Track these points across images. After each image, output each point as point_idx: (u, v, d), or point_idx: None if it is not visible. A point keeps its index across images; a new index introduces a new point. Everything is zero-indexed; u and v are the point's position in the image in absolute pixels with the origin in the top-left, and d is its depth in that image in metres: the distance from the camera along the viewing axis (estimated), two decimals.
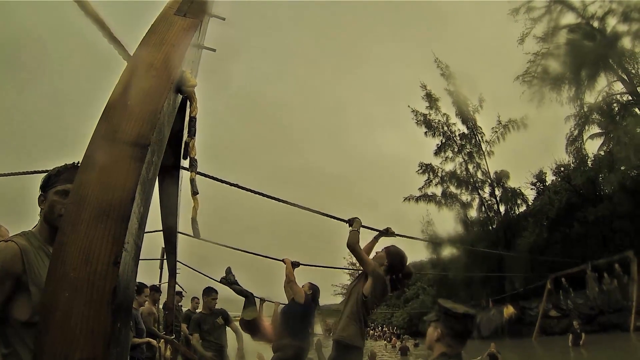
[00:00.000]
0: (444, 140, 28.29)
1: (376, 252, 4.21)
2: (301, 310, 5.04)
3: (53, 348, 0.80)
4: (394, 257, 3.99)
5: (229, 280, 6.25)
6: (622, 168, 18.95)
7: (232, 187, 3.37)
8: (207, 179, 3.44)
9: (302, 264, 5.58)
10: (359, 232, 4.05)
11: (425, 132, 28.51)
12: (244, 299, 6.22)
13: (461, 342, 2.37)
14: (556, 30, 23.09)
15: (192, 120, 1.51)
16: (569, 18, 22.88)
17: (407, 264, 4.14)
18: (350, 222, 4.15)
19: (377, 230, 4.61)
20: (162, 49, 1.28)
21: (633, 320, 15.55)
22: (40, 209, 1.77)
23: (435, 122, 28.46)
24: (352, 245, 3.93)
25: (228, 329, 6.35)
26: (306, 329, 5.08)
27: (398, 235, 4.66)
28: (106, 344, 0.81)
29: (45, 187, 1.77)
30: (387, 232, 4.60)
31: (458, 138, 28.10)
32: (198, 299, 8.51)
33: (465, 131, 28.06)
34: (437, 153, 28.37)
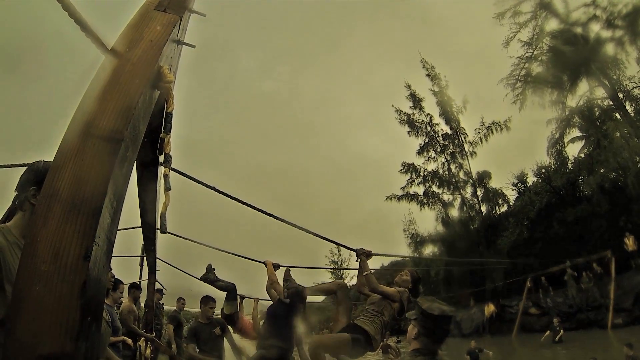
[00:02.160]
0: (427, 140, 28.50)
1: (400, 275, 4.39)
2: (287, 310, 5.04)
3: (22, 341, 0.80)
4: (417, 282, 4.30)
5: (209, 278, 6.21)
6: (602, 170, 19.35)
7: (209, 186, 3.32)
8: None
9: (282, 266, 5.58)
10: (371, 272, 4.31)
11: (409, 132, 28.71)
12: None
13: (437, 342, 2.41)
14: (540, 35, 23.42)
15: (168, 116, 1.50)
16: (554, 24, 23.25)
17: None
18: (358, 254, 4.41)
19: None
20: (140, 44, 1.27)
21: (611, 318, 15.90)
22: (30, 203, 1.66)
23: (418, 122, 28.66)
24: (374, 289, 4.14)
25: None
26: (292, 329, 5.08)
27: (376, 254, 4.72)
28: (75, 338, 0.81)
29: (40, 181, 1.65)
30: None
31: (441, 138, 28.34)
32: (184, 300, 8.44)
33: (449, 132, 28.32)
34: (420, 153, 28.57)
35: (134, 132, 1.11)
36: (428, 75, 28.72)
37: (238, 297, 6.48)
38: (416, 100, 28.81)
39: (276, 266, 5.47)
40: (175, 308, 8.42)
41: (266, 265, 5.41)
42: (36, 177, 1.69)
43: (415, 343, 2.40)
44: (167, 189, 1.51)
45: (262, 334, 5.34)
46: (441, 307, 2.42)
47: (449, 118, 28.16)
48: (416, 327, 2.42)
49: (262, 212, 3.67)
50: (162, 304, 9.87)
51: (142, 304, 7.88)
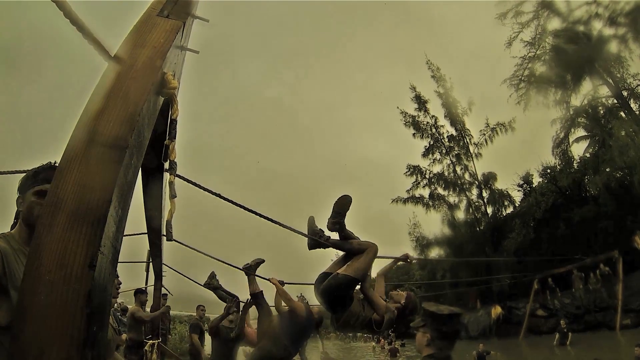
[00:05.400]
0: (432, 142, 28.43)
1: (398, 291, 4.39)
2: (302, 322, 5.07)
3: (27, 350, 0.80)
4: (412, 304, 4.18)
5: (212, 285, 6.23)
6: (607, 170, 19.24)
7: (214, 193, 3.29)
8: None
9: (286, 283, 5.62)
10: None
11: (414, 134, 28.65)
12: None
13: (451, 343, 2.40)
14: (543, 35, 23.37)
15: (173, 122, 1.50)
16: (556, 23, 23.19)
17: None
18: None
19: (392, 257, 4.81)
20: (144, 50, 1.27)
21: (619, 319, 15.76)
22: (19, 210, 1.73)
23: (423, 124, 28.60)
24: (364, 290, 4.11)
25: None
26: (299, 340, 5.11)
27: (415, 259, 4.81)
28: (80, 348, 0.81)
29: (23, 188, 1.73)
30: (406, 259, 4.88)
31: (446, 140, 28.27)
32: (204, 307, 8.44)
33: (454, 133, 28.25)
34: (425, 155, 28.49)
35: (138, 139, 1.10)
36: (433, 76, 28.69)
37: (241, 304, 6.49)
38: (421, 102, 28.77)
39: (281, 283, 5.48)
40: (195, 315, 8.40)
41: (274, 284, 5.41)
42: (20, 186, 1.76)
43: (427, 349, 2.38)
44: (173, 196, 1.50)
45: (273, 332, 5.31)
46: (449, 307, 2.46)
47: (454, 120, 28.10)
48: (427, 332, 2.41)
49: (267, 218, 3.65)
50: (169, 307, 9.87)
51: (148, 309, 7.88)
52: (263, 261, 5.81)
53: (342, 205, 4.04)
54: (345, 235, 4.09)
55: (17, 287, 1.48)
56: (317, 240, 4.06)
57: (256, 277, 5.72)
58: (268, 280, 5.48)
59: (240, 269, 5.78)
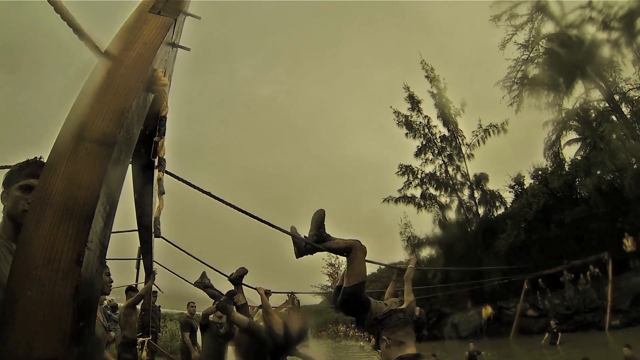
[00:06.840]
0: (424, 142, 28.50)
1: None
2: (280, 340, 5.08)
3: (14, 347, 0.79)
4: (420, 320, 4.23)
5: (203, 283, 6.22)
6: (598, 172, 19.38)
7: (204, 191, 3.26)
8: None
9: (273, 292, 5.65)
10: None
11: (406, 134, 28.71)
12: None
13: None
14: (537, 38, 23.51)
15: (162, 119, 1.49)
16: (550, 26, 23.34)
17: None
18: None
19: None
20: (134, 46, 1.27)
21: (608, 319, 15.92)
22: (3, 206, 1.71)
23: (416, 124, 28.67)
24: (409, 280, 4.28)
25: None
26: (279, 355, 5.15)
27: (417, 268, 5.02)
28: (67, 343, 0.81)
29: (7, 183, 1.72)
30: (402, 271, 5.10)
31: (439, 140, 28.34)
32: (194, 303, 8.41)
33: (446, 134, 28.34)
34: (417, 155, 28.55)
35: (127, 135, 1.10)
36: (427, 76, 28.75)
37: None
38: (414, 102, 28.83)
39: (268, 293, 5.48)
40: (187, 313, 8.34)
41: (260, 294, 5.42)
42: (5, 181, 1.74)
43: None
44: (161, 193, 1.50)
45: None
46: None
47: (446, 120, 28.19)
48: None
49: (256, 218, 3.64)
50: (159, 306, 9.84)
51: (139, 306, 7.84)
52: (246, 271, 5.84)
53: (318, 220, 4.14)
54: (330, 240, 4.17)
55: (1, 282, 1.48)
56: (303, 249, 4.16)
57: (243, 286, 5.73)
58: (255, 289, 5.48)
59: (225, 275, 5.80)
